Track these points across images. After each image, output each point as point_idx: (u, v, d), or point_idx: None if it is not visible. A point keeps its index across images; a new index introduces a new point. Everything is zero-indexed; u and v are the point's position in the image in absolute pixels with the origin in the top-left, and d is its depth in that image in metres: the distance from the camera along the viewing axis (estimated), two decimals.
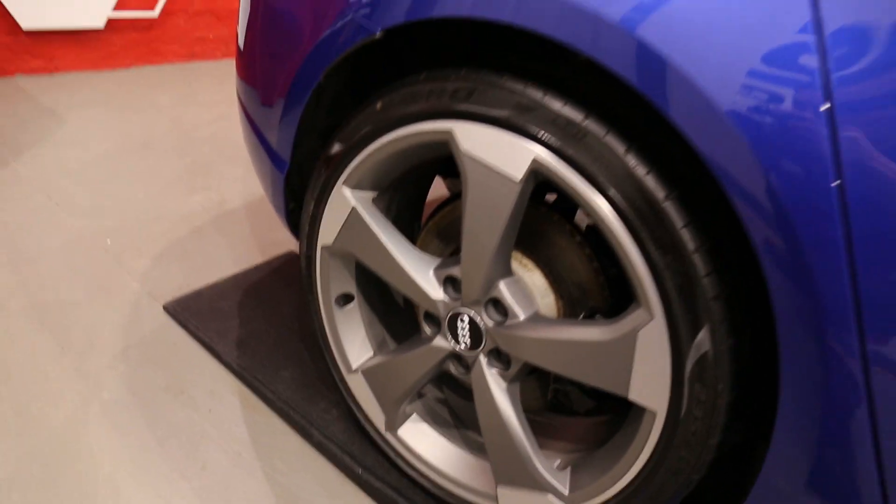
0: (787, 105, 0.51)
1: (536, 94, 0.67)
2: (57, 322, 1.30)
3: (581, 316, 0.82)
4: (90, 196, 1.79)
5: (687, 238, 0.62)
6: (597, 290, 0.82)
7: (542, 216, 0.84)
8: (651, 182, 0.63)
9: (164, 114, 2.38)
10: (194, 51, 2.89)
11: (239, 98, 1.11)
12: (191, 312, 1.42)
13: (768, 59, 0.51)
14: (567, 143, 0.65)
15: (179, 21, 2.75)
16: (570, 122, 0.65)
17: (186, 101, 2.51)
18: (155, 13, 2.62)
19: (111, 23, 2.48)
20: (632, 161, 0.63)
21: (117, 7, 2.46)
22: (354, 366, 1.00)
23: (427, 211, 1.04)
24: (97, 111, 2.30)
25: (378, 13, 0.74)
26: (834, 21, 0.49)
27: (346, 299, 1.01)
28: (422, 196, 1.06)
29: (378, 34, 0.75)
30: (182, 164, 2.05)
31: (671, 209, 0.62)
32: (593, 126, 0.65)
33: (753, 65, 0.52)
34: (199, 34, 2.88)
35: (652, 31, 0.55)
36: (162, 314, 1.40)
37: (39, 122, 2.15)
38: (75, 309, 1.35)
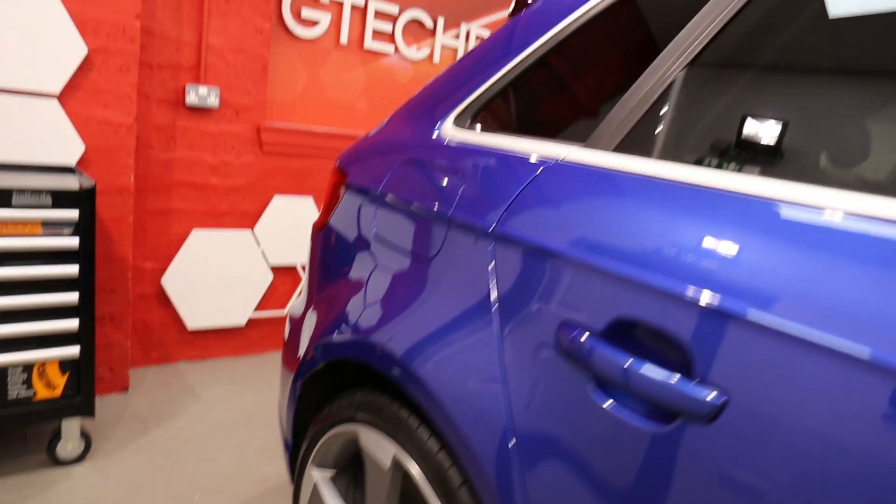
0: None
1: (393, 407, 1.04)
2: None
3: None
4: (196, 460, 2.29)
5: None
6: None
7: None
8: (453, 473, 0.94)
9: (275, 391, 2.99)
10: None
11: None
12: None
13: (473, 407, 0.86)
14: (407, 444, 1.00)
15: None
16: (409, 429, 1.01)
17: None
18: (285, 311, 3.41)
19: (251, 321, 3.28)
20: (442, 455, 0.96)
21: (257, 309, 3.27)
22: None
23: None
24: (227, 389, 2.96)
25: (322, 353, 1.19)
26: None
27: None
28: None
29: (321, 365, 1.19)
30: (273, 435, 2.55)
31: (464, 494, 0.92)
32: (423, 431, 0.99)
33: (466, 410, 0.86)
34: None
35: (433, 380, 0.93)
36: None
37: (183, 398, 2.81)
38: None
